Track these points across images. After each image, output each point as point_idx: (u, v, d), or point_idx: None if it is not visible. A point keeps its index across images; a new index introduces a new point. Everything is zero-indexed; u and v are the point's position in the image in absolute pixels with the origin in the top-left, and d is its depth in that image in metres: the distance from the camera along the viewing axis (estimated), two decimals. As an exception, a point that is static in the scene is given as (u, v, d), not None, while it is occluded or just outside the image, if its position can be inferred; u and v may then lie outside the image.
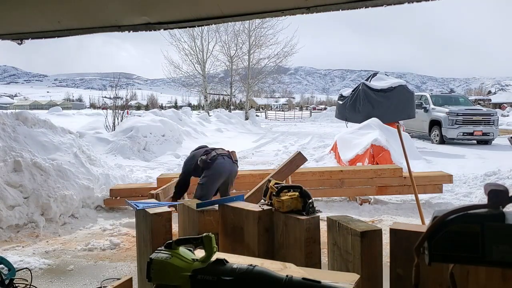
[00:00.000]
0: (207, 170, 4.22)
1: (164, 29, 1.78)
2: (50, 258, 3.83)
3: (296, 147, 12.86)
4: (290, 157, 4.44)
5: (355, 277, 1.06)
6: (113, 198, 5.46)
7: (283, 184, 1.75)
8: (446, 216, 0.77)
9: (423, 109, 14.16)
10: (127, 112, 16.69)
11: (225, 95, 34.47)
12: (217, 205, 1.92)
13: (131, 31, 1.81)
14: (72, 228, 4.76)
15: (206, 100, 31.69)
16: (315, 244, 1.61)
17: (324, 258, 1.71)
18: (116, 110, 14.10)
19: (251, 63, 29.91)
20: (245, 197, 2.08)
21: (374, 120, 9.11)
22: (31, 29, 1.94)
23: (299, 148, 12.53)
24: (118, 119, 13.78)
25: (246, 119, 26.93)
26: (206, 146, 4.59)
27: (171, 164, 9.01)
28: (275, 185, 1.77)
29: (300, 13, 1.51)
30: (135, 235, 2.20)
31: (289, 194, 1.69)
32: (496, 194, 0.76)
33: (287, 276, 0.95)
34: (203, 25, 1.78)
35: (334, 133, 13.05)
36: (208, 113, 24.05)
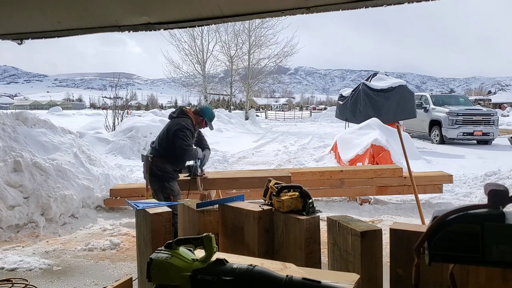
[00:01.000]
0: None
1: (164, 29, 1.78)
2: (50, 258, 3.83)
3: (296, 147, 12.86)
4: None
5: (355, 277, 1.06)
6: (113, 198, 5.46)
7: (283, 184, 1.75)
8: (446, 216, 0.77)
9: (423, 109, 14.16)
10: (127, 112, 16.69)
11: (225, 95, 34.47)
12: (217, 205, 1.92)
13: (131, 31, 1.81)
14: (72, 228, 4.76)
15: (206, 100, 31.70)
16: (315, 244, 1.61)
17: (324, 258, 1.71)
18: (116, 110, 14.11)
19: (251, 63, 29.91)
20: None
21: (374, 120, 9.12)
22: (31, 29, 1.94)
23: (299, 148, 12.54)
24: (118, 119, 13.79)
25: (246, 119, 26.93)
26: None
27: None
28: (275, 185, 1.77)
29: (300, 13, 1.51)
30: (135, 235, 2.20)
31: (289, 194, 1.69)
32: (496, 194, 0.76)
33: (287, 276, 0.95)
34: (203, 25, 1.78)
35: (334, 133, 13.06)
36: (208, 113, 23.97)
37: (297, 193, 1.67)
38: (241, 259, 1.17)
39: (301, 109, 67.47)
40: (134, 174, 7.44)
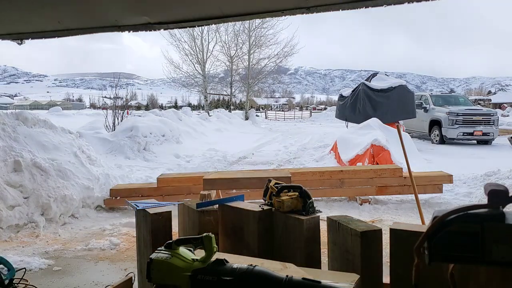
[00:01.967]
0: None
1: (164, 29, 1.78)
2: (50, 258, 3.83)
3: (296, 147, 12.86)
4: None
5: (355, 277, 1.06)
6: (113, 198, 5.46)
7: (283, 184, 1.75)
8: (446, 216, 0.77)
9: (423, 109, 14.16)
10: (127, 112, 16.68)
11: (225, 95, 34.47)
12: (217, 205, 1.92)
13: (131, 31, 1.81)
14: (72, 228, 4.76)
15: (206, 100, 31.70)
16: (315, 244, 1.61)
17: (324, 258, 1.71)
18: (116, 110, 14.09)
19: (251, 63, 29.91)
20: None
21: (374, 120, 9.11)
22: (31, 29, 1.94)
23: (299, 148, 12.54)
24: (118, 119, 13.77)
25: (246, 119, 26.93)
26: None
27: (171, 164, 9.01)
28: (275, 185, 1.77)
29: (300, 13, 1.52)
30: (135, 235, 2.20)
31: (289, 194, 1.69)
32: (496, 194, 0.76)
33: (287, 276, 0.95)
34: (203, 25, 1.78)
35: (334, 133, 13.06)
36: (208, 113, 24.04)
37: (297, 193, 1.68)
38: (241, 259, 1.17)
39: (301, 109, 67.45)
40: (134, 174, 7.44)
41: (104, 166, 6.36)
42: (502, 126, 18.03)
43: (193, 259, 1.06)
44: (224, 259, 1.03)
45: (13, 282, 2.26)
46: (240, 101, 50.75)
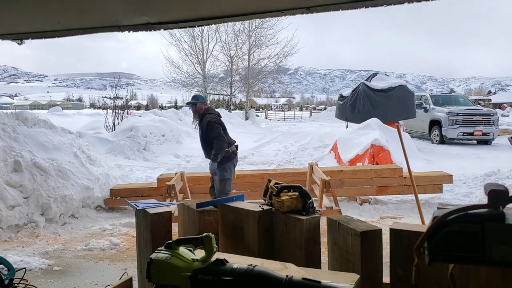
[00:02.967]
0: (231, 162, 4.38)
1: (164, 29, 1.78)
2: (50, 258, 3.83)
3: (296, 147, 12.86)
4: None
5: (355, 277, 1.06)
6: (113, 198, 5.46)
7: (283, 184, 1.75)
8: (446, 216, 0.77)
9: (423, 109, 14.16)
10: (127, 112, 16.68)
11: (225, 95, 34.46)
12: (217, 205, 1.92)
13: (131, 31, 1.81)
14: (72, 228, 4.76)
15: (206, 100, 31.65)
16: (315, 244, 1.61)
17: (324, 258, 1.71)
18: (116, 110, 14.09)
19: (251, 63, 29.90)
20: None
21: (374, 120, 9.12)
22: (31, 29, 1.94)
23: (299, 148, 12.53)
24: (118, 119, 13.78)
25: (246, 119, 26.92)
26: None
27: (171, 164, 9.01)
28: (275, 185, 1.77)
29: (300, 13, 1.51)
30: (135, 235, 2.20)
31: (289, 194, 1.69)
32: (496, 194, 0.76)
33: (287, 276, 0.95)
34: (203, 25, 1.78)
35: (334, 133, 13.05)
36: (208, 113, 23.96)
37: (297, 193, 1.67)
38: (241, 259, 1.17)
39: (301, 109, 67.45)
40: (134, 174, 7.44)
41: (104, 166, 6.36)
42: (502, 126, 18.03)
43: (193, 259, 1.06)
44: (224, 259, 1.03)
45: (13, 282, 2.26)
46: (240, 101, 50.75)
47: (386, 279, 1.43)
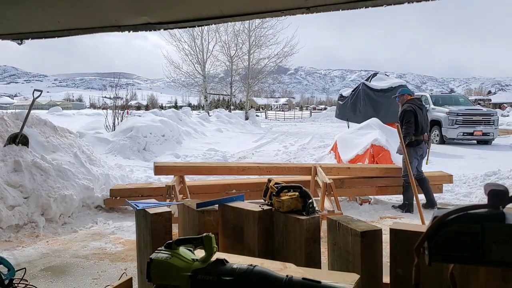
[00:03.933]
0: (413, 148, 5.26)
1: (164, 29, 1.78)
2: (50, 258, 3.83)
3: (296, 147, 12.86)
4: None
5: (355, 277, 1.06)
6: (113, 198, 5.46)
7: (283, 184, 1.75)
8: (446, 216, 0.77)
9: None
10: (127, 112, 16.68)
11: (225, 95, 34.48)
12: (217, 205, 1.92)
13: (131, 31, 1.81)
14: (72, 228, 4.76)
15: (206, 100, 31.69)
16: (315, 244, 1.61)
17: (324, 258, 1.71)
18: (116, 110, 14.09)
19: (251, 63, 29.93)
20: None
21: (374, 120, 9.11)
22: (31, 29, 1.94)
23: (299, 148, 12.54)
24: (118, 119, 13.78)
25: (246, 119, 26.93)
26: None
27: (171, 164, 9.00)
28: (275, 185, 1.77)
29: (300, 13, 1.51)
30: (135, 235, 2.20)
31: (289, 194, 1.69)
32: (496, 194, 0.76)
33: (287, 276, 0.95)
34: (203, 25, 1.78)
35: (334, 133, 13.06)
36: (208, 113, 24.05)
37: (297, 193, 1.68)
38: (241, 259, 1.17)
39: (301, 109, 67.49)
40: (134, 174, 7.44)
41: (104, 166, 6.36)
42: (502, 126, 18.04)
43: (193, 259, 1.06)
44: (224, 259, 1.03)
45: (13, 282, 2.26)
46: (240, 101, 50.76)
47: (386, 279, 1.43)
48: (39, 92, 5.63)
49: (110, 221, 4.99)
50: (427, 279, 1.23)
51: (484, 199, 0.78)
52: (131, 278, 1.91)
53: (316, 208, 1.68)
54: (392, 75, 15.10)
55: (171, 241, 1.10)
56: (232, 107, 35.40)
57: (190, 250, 1.10)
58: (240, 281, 0.96)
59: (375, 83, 12.49)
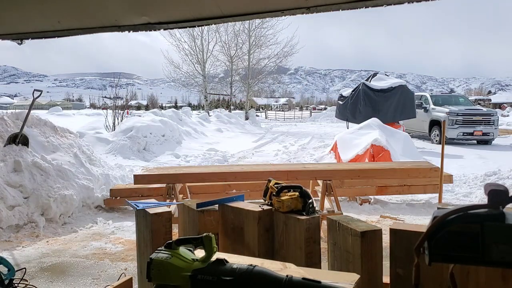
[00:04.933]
0: None
1: (164, 29, 1.78)
2: (50, 258, 3.83)
3: (296, 147, 12.86)
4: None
5: (355, 277, 1.06)
6: (113, 198, 5.46)
7: (283, 184, 1.75)
8: (446, 216, 0.77)
9: (423, 109, 14.16)
10: (127, 112, 16.68)
11: (225, 95, 34.48)
12: (217, 205, 1.92)
13: (131, 31, 1.81)
14: (72, 228, 4.75)
15: (206, 100, 31.69)
16: (315, 244, 1.61)
17: (324, 258, 1.71)
18: (116, 110, 14.09)
19: (251, 63, 29.91)
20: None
21: (374, 120, 9.11)
22: (31, 29, 1.94)
23: (299, 148, 12.54)
24: (118, 119, 13.78)
25: (246, 119, 26.92)
26: None
27: (171, 164, 9.01)
28: (275, 185, 1.77)
29: (300, 13, 1.52)
30: (135, 235, 2.20)
31: (289, 194, 1.69)
32: (496, 194, 0.76)
33: (287, 276, 0.95)
34: (203, 25, 1.78)
35: (334, 133, 13.05)
36: (208, 113, 24.04)
37: (297, 193, 1.68)
38: (241, 259, 1.17)
39: (301, 109, 67.49)
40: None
41: (104, 166, 6.36)
42: (502, 126, 18.05)
43: (193, 259, 1.06)
44: (224, 259, 1.03)
45: (13, 282, 2.26)
46: (240, 101, 50.76)
47: (386, 279, 1.43)
48: (39, 92, 5.63)
49: (110, 221, 4.99)
50: (427, 279, 1.23)
51: (484, 199, 0.78)
52: (131, 278, 1.91)
53: (316, 208, 1.68)
54: (392, 75, 15.09)
55: (171, 241, 1.10)
56: (232, 107, 35.40)
57: (190, 250, 1.10)
58: (240, 281, 0.96)
59: (375, 83, 12.48)
